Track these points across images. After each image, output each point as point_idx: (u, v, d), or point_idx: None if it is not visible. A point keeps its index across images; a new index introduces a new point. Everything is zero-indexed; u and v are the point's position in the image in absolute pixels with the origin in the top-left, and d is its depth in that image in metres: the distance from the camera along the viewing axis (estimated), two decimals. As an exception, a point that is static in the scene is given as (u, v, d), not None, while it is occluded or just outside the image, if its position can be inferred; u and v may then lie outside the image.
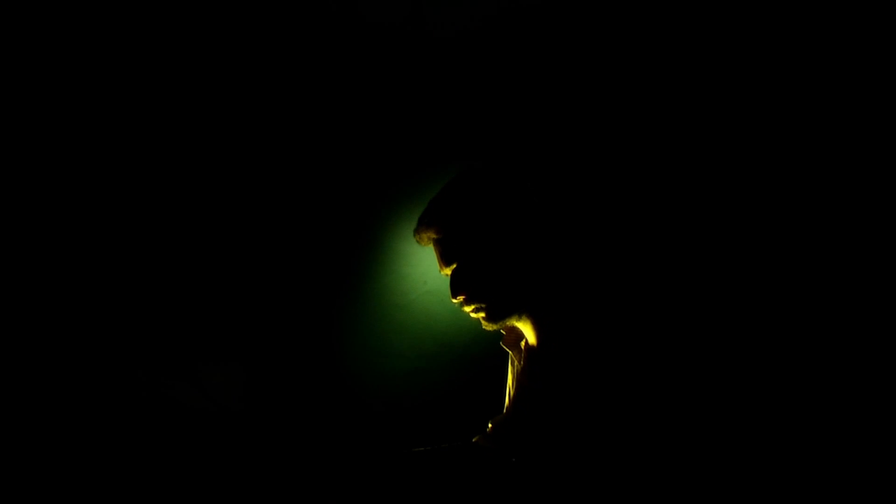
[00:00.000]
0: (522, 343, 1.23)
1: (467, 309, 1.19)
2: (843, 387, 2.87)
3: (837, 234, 2.95)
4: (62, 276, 3.27)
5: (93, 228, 3.45)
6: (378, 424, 3.37)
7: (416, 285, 3.41)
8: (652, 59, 3.40)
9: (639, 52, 3.37)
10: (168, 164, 3.54)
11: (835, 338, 2.99)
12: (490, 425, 1.22)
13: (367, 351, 3.41)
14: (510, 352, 1.28)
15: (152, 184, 3.55)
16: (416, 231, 1.18)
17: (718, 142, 3.31)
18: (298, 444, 3.40)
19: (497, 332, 1.26)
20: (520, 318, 1.17)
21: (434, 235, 1.16)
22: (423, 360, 3.38)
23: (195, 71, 3.49)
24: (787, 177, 3.17)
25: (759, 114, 3.22)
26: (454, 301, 1.19)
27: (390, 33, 3.15)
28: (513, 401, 1.21)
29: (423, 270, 3.41)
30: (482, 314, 1.17)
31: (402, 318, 3.40)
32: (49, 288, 3.22)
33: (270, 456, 3.43)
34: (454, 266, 1.15)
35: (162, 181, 3.55)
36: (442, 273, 1.20)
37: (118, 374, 3.57)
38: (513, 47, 3.31)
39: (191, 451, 3.43)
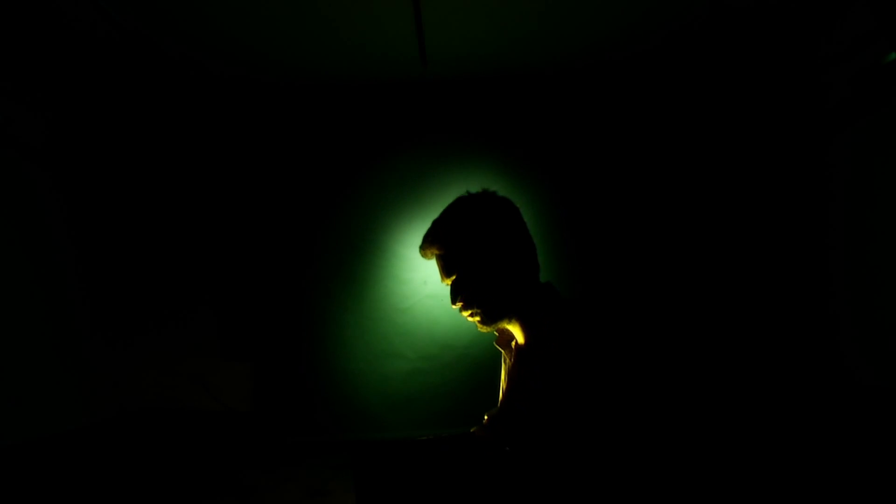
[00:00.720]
0: (513, 343, 1.36)
1: (465, 314, 1.33)
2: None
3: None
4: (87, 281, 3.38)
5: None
6: (383, 420, 3.49)
7: (417, 288, 3.53)
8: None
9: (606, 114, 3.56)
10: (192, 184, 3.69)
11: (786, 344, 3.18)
12: (486, 417, 1.35)
13: (371, 352, 3.53)
14: (503, 351, 1.41)
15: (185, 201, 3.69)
16: (422, 248, 1.32)
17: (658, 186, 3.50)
18: (309, 436, 3.51)
19: (491, 334, 1.40)
20: (510, 321, 1.31)
21: (437, 252, 1.29)
22: (424, 362, 3.50)
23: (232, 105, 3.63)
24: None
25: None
26: (454, 307, 1.33)
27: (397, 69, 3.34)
28: (505, 395, 1.34)
29: (424, 275, 3.52)
30: (478, 318, 1.31)
31: (404, 321, 3.52)
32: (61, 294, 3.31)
33: (283, 447, 3.55)
34: (454, 277, 1.29)
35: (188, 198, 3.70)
36: (443, 283, 1.34)
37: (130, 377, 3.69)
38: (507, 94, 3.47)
39: (207, 447, 3.55)
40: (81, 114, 3.43)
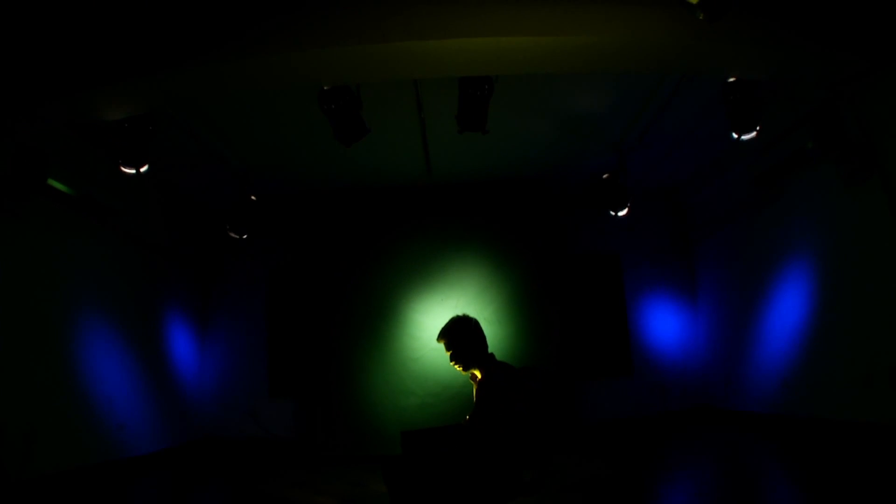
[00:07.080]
0: (476, 379, 2.74)
1: (455, 366, 2.71)
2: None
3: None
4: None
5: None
6: (398, 441, 4.61)
7: (425, 344, 4.73)
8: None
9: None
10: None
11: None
12: (467, 417, 2.71)
13: (389, 390, 4.73)
14: (473, 383, 2.78)
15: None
16: (438, 338, 2.75)
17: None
18: (342, 453, 4.62)
19: (468, 375, 2.78)
20: (474, 368, 2.71)
21: (444, 341, 2.71)
22: (430, 398, 4.68)
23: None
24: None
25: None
26: (450, 363, 2.71)
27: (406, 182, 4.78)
28: (474, 404, 2.70)
29: (430, 335, 4.74)
30: (460, 367, 2.70)
31: (415, 367, 4.73)
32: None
33: (324, 459, 4.61)
34: (451, 351, 2.68)
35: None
36: (447, 353, 2.72)
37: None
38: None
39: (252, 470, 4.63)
40: (191, 221, 4.83)
